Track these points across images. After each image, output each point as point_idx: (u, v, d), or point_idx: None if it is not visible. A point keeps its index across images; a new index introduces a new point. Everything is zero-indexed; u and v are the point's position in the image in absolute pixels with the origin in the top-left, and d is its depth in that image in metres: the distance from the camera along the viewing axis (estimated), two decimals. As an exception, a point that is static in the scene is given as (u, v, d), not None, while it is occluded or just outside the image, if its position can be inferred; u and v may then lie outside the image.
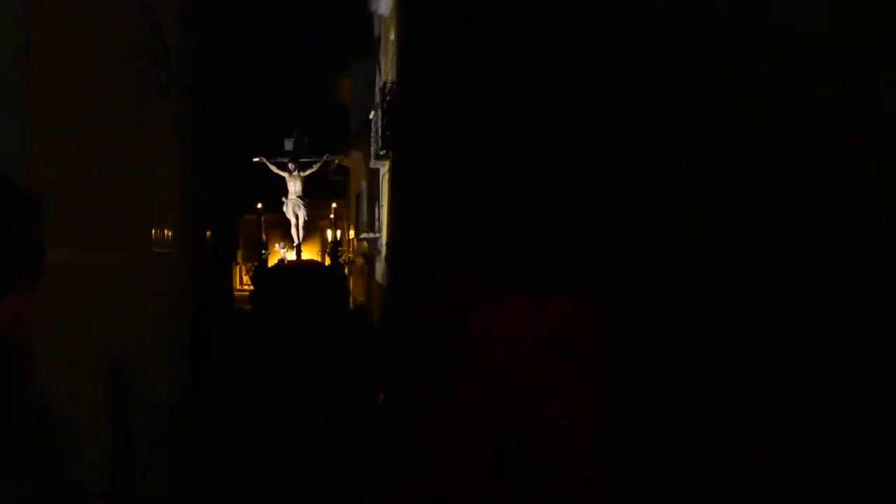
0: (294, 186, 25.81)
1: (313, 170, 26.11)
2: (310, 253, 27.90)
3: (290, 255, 26.16)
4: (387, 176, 19.01)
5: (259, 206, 25.65)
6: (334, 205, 30.26)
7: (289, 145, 26.70)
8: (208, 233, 6.81)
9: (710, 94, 3.09)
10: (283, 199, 26.17)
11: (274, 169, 25.37)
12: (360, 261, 26.45)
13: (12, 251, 1.67)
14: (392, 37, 17.92)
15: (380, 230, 21.20)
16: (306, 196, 26.26)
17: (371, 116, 21.40)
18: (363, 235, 24.92)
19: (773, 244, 2.61)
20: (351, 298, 18.23)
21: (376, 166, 21.55)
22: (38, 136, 2.55)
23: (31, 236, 1.72)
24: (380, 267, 20.26)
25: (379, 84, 19.49)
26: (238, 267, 25.27)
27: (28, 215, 1.72)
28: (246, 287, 23.15)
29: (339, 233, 28.94)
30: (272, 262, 23.87)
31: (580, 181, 4.35)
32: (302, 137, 26.97)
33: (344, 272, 18.34)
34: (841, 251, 2.30)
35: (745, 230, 2.77)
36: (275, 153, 25.87)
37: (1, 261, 1.64)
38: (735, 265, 2.81)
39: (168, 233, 4.74)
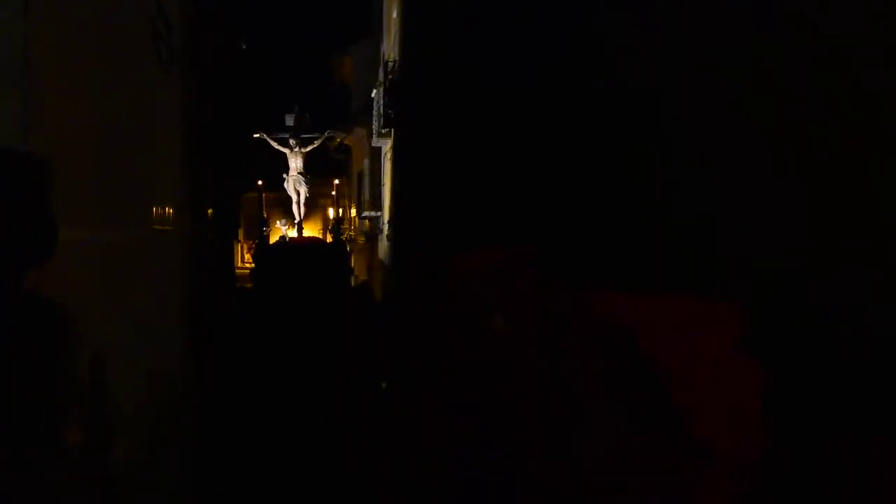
0: (295, 163, 25.73)
1: (314, 145, 26.02)
2: (311, 230, 27.87)
3: (292, 233, 26.13)
4: (389, 154, 18.98)
5: (260, 182, 25.58)
6: (337, 181, 30.18)
7: (290, 121, 26.59)
8: (209, 210, 6.80)
9: (709, 94, 3.08)
10: (284, 175, 26.09)
11: (275, 145, 25.27)
12: (361, 239, 26.44)
13: (29, 227, 1.64)
14: (394, 15, 17.84)
15: (382, 208, 21.17)
16: (307, 173, 26.19)
17: (373, 94, 21.31)
18: (365, 213, 24.88)
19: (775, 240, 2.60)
20: (353, 276, 18.23)
21: (378, 144, 21.50)
22: (36, 112, 2.54)
23: (44, 209, 1.69)
24: (382, 245, 20.27)
25: (381, 62, 19.41)
26: (240, 245, 25.25)
27: (40, 186, 1.69)
28: (247, 265, 23.14)
29: (340, 211, 28.90)
30: (273, 239, 23.84)
31: (580, 167, 4.35)
32: (303, 113, 26.88)
33: (346, 250, 18.30)
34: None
35: (737, 226, 2.77)
36: (276, 129, 25.78)
37: (19, 237, 1.61)
38: (736, 258, 2.81)
39: (169, 210, 4.74)
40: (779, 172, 2.62)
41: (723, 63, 3.02)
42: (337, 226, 26.19)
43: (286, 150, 25.60)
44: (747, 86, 2.83)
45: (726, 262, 2.96)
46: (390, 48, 18.91)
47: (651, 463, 1.94)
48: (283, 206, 28.34)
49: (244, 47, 10.76)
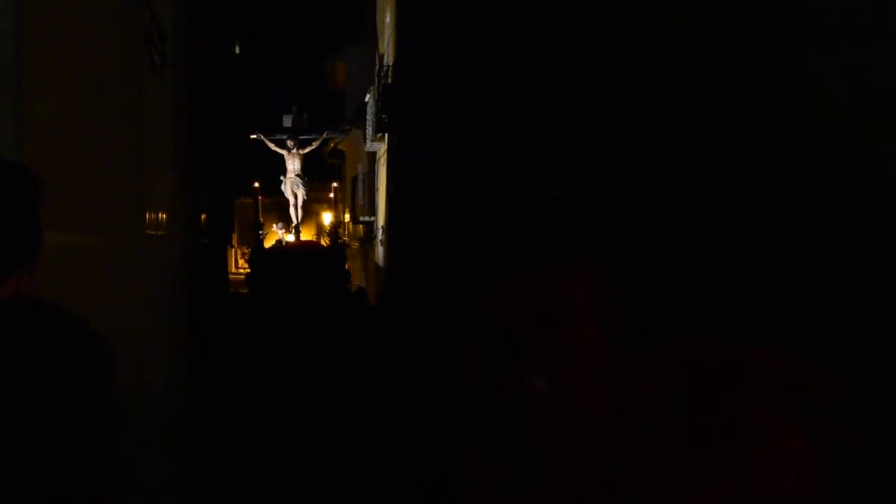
0: (293, 164, 25.46)
1: (313, 147, 25.74)
2: (306, 235, 27.82)
3: (289, 237, 25.98)
4: (383, 159, 18.97)
5: (256, 184, 25.42)
6: (335, 184, 30.11)
7: (287, 122, 26.37)
8: (203, 216, 6.80)
9: (706, 89, 3.06)
10: (282, 177, 25.86)
11: (272, 146, 24.99)
12: (355, 244, 26.42)
13: (11, 233, 1.65)
14: (388, 20, 17.85)
15: (376, 213, 21.15)
16: (304, 176, 25.98)
17: (367, 99, 21.30)
18: (360, 219, 24.85)
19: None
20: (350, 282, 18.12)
21: (372, 149, 21.49)
22: (29, 117, 2.53)
23: (28, 215, 1.70)
24: (377, 250, 20.25)
25: (375, 67, 19.41)
26: (234, 250, 25.19)
27: (24, 193, 1.70)
28: (241, 270, 23.10)
29: (336, 215, 28.89)
30: (269, 243, 23.76)
31: (581, 170, 4.35)
32: (301, 114, 26.67)
33: (344, 254, 18.24)
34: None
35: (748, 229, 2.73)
36: (272, 131, 25.52)
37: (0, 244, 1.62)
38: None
39: (162, 215, 4.73)
40: (783, 171, 2.57)
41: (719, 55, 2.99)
42: (334, 230, 26.11)
43: (284, 152, 25.36)
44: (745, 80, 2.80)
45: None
46: (384, 53, 18.91)
47: None
48: (278, 211, 28.26)
49: (237, 52, 10.76)
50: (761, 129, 2.79)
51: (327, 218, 30.85)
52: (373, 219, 22.19)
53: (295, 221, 25.98)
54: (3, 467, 1.42)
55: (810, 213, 2.44)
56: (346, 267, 18.62)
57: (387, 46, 18.12)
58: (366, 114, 21.43)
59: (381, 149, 19.49)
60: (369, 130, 20.41)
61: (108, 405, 1.66)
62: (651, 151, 3.70)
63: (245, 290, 14.35)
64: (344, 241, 26.54)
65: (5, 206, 1.64)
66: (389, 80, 15.93)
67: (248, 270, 16.35)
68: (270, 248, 19.27)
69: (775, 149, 2.68)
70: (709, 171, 3.21)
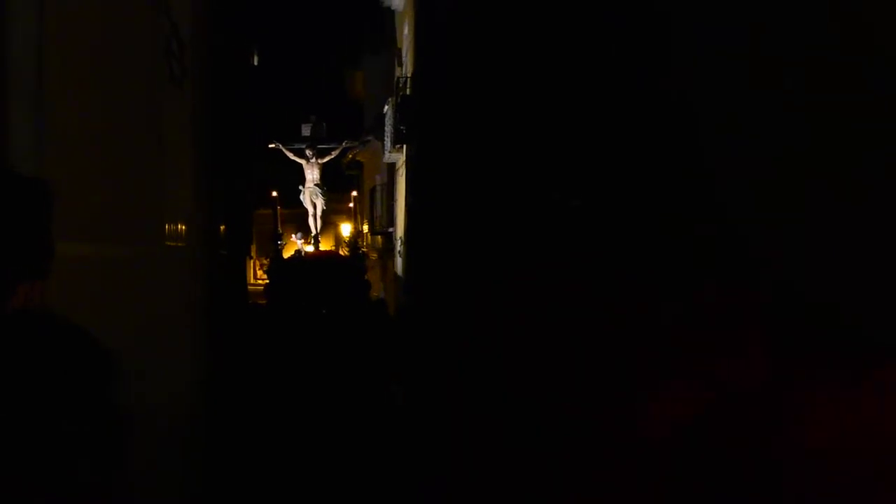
0: (311, 174, 25.26)
1: (332, 156, 25.48)
2: (325, 246, 27.74)
3: (308, 247, 25.87)
4: (401, 170, 18.98)
5: (274, 194, 25.24)
6: (354, 193, 30.05)
7: (306, 131, 26.21)
8: (222, 227, 6.81)
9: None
10: (300, 187, 25.70)
11: (290, 155, 24.80)
12: (374, 255, 26.37)
13: (21, 244, 1.65)
14: (406, 31, 17.89)
15: (395, 225, 21.13)
16: (324, 185, 25.79)
17: (385, 110, 21.30)
18: (378, 230, 24.78)
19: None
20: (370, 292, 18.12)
21: (391, 160, 21.49)
22: (50, 128, 2.54)
23: (40, 229, 1.70)
24: (395, 261, 20.26)
25: (394, 78, 19.44)
26: (252, 261, 25.15)
27: (37, 207, 1.71)
28: (259, 281, 23.08)
29: (355, 225, 28.87)
30: (288, 254, 23.71)
31: (603, 181, 4.32)
32: (320, 123, 26.51)
33: (364, 264, 18.19)
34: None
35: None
36: (291, 140, 25.33)
37: (9, 254, 1.62)
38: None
39: (181, 226, 4.74)
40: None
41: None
42: (354, 240, 25.99)
43: (302, 161, 25.16)
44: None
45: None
46: (403, 63, 18.95)
47: None
48: (296, 222, 28.21)
49: (256, 63, 10.81)
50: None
51: (346, 228, 30.83)
52: (391, 229, 22.17)
53: (314, 231, 25.86)
54: (6, 468, 1.43)
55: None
56: (366, 277, 18.63)
57: (405, 57, 18.16)
58: (384, 124, 21.42)
59: (400, 160, 19.51)
60: (387, 141, 20.41)
61: (109, 408, 1.67)
62: (671, 159, 3.67)
63: (263, 301, 14.35)
64: (363, 251, 26.46)
65: (16, 219, 1.65)
66: (408, 92, 15.95)
67: (267, 281, 16.34)
68: (289, 259, 19.22)
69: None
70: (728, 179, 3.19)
